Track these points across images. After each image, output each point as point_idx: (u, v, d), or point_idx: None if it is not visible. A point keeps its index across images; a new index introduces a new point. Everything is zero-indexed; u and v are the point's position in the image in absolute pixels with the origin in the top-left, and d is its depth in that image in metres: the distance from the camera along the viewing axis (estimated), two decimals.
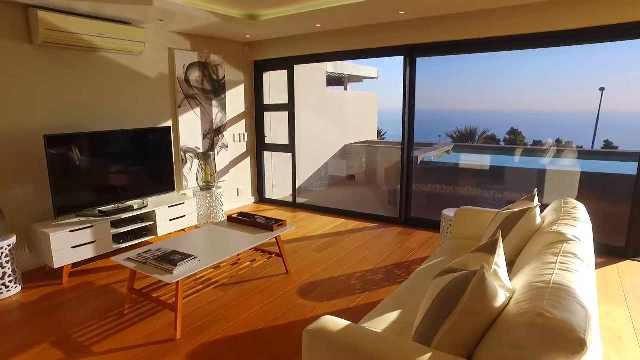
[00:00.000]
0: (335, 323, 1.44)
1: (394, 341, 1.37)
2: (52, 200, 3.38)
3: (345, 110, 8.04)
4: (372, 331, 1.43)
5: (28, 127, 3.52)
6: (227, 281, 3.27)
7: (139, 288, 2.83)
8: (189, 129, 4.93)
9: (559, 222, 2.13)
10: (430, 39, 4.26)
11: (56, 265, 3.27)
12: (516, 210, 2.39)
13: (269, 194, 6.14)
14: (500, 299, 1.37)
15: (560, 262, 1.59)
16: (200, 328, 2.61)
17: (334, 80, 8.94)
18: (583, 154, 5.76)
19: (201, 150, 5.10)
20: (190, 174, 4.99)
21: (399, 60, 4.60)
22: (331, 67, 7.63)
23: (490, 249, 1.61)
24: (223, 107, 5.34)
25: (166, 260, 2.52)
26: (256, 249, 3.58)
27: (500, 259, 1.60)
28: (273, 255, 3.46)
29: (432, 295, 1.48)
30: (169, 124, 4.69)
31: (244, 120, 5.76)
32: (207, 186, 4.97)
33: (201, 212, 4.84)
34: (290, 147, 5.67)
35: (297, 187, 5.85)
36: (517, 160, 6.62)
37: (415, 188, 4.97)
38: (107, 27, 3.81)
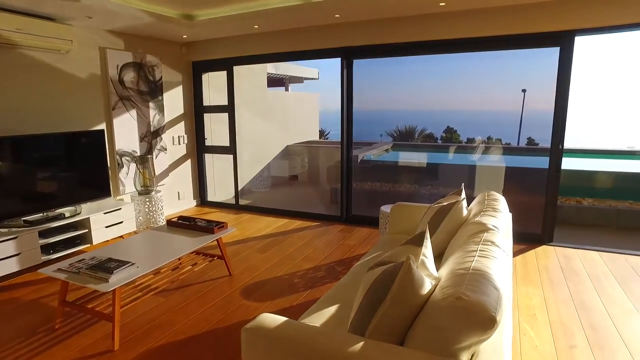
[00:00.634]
0: (273, 320, 1.48)
1: (330, 333, 1.44)
2: None
3: (287, 110, 8.09)
4: (309, 325, 1.49)
5: None
6: (168, 286, 3.20)
7: (72, 300, 2.70)
8: (125, 132, 4.73)
9: (482, 213, 2.32)
10: (366, 42, 4.42)
11: None
12: (445, 204, 2.57)
13: (211, 197, 6.05)
14: (426, 287, 1.48)
15: (480, 250, 1.74)
16: (140, 336, 2.54)
17: (275, 81, 8.96)
18: (509, 150, 6.23)
19: (138, 154, 4.92)
20: (127, 178, 4.80)
21: (339, 62, 4.71)
22: (272, 68, 7.65)
23: (418, 241, 1.73)
24: (161, 109, 5.18)
25: (101, 269, 2.43)
26: (197, 253, 3.53)
27: (427, 250, 1.72)
28: (215, 258, 3.43)
29: (364, 287, 1.57)
30: (102, 126, 4.48)
31: (183, 122, 5.63)
32: (145, 190, 4.80)
33: (140, 218, 4.67)
34: (231, 149, 5.62)
35: (239, 188, 5.81)
36: (451, 157, 7.02)
37: (356, 186, 5.12)
38: (25, 22, 3.54)
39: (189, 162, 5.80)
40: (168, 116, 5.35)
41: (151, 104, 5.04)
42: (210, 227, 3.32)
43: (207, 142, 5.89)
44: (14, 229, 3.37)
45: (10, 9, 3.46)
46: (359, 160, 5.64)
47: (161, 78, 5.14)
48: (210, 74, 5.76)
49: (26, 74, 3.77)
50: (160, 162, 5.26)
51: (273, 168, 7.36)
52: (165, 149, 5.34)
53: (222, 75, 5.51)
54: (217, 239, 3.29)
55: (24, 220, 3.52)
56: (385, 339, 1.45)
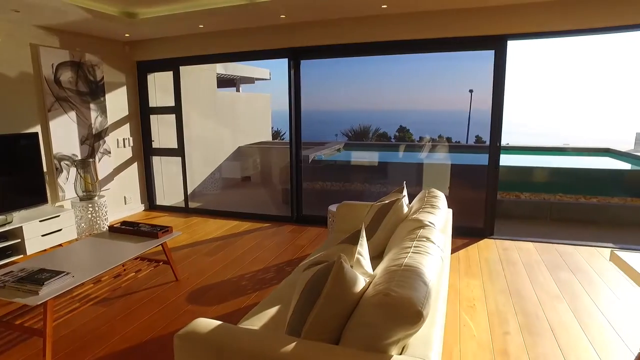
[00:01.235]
0: (206, 325, 1.46)
1: (265, 336, 1.44)
2: None
3: (238, 111, 7.99)
4: (244, 328, 1.48)
5: None
6: (109, 295, 3.07)
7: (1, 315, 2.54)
8: (63, 135, 4.49)
9: (420, 210, 2.40)
10: (312, 42, 4.45)
11: None
12: (386, 202, 2.64)
13: (160, 201, 5.87)
14: (359, 285, 1.52)
15: (414, 246, 1.79)
16: (77, 350, 2.43)
17: (226, 82, 8.83)
18: (456, 148, 6.49)
19: (79, 158, 4.69)
20: (67, 183, 4.57)
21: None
22: (221, 68, 7.53)
23: (354, 239, 1.77)
24: (103, 111, 4.97)
25: (31, 281, 2.30)
26: (142, 259, 3.41)
27: (362, 248, 1.76)
28: (161, 264, 3.34)
29: (299, 288, 1.59)
30: (36, 129, 4.22)
31: (128, 124, 5.43)
32: (88, 196, 4.58)
33: (83, 224, 4.45)
34: (179, 151, 5.48)
35: (189, 191, 5.68)
36: (401, 155, 7.21)
37: (307, 186, 5.15)
38: None
39: (135, 165, 5.60)
40: (112, 118, 5.14)
41: (92, 106, 4.82)
42: (154, 232, 3.23)
43: (155, 145, 5.71)
44: None
45: None
46: (310, 160, 5.67)
47: (103, 78, 4.93)
48: (157, 74, 5.59)
49: None
50: (104, 165, 5.05)
51: (225, 170, 7.25)
52: (110, 152, 5.12)
53: (170, 75, 5.36)
54: (161, 244, 3.21)
55: None
56: (321, 338, 1.46)
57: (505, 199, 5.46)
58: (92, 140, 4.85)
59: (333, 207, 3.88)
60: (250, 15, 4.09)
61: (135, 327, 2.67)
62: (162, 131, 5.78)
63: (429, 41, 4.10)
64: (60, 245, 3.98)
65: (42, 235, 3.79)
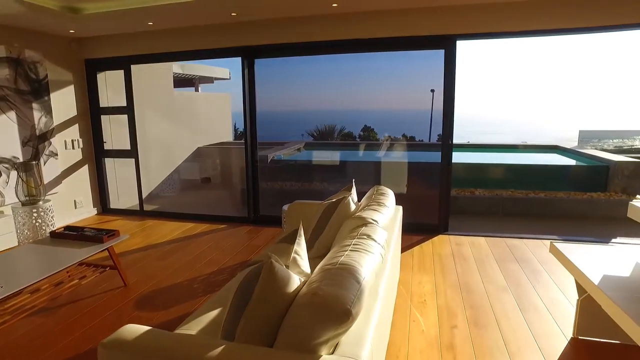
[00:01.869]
0: (134, 331, 1.40)
1: (196, 341, 1.39)
2: None
3: (197, 112, 7.82)
4: (175, 334, 1.43)
5: None
6: (48, 305, 2.92)
7: None
8: (1, 136, 4.25)
9: (366, 208, 2.40)
10: (266, 41, 4.40)
11: None
12: (333, 200, 2.63)
13: (114, 204, 5.66)
14: (292, 285, 1.48)
15: (354, 244, 1.78)
16: None
17: (184, 82, 8.63)
18: (417, 147, 6.59)
19: (21, 160, 4.45)
20: (7, 187, 4.32)
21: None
22: (178, 67, 7.34)
23: (291, 238, 1.75)
24: (48, 111, 4.73)
25: None
26: (87, 264, 3.27)
27: (300, 247, 1.74)
28: (107, 269, 3.21)
29: (233, 289, 1.55)
30: None
31: (77, 125, 5.20)
32: (31, 200, 4.35)
33: (26, 231, 4.22)
34: (132, 152, 5.30)
35: (145, 194, 5.50)
36: (361, 154, 7.25)
37: (266, 186, 5.09)
38: None
39: (86, 167, 5.37)
40: (58, 118, 4.90)
41: (35, 105, 4.58)
42: (99, 236, 3.10)
43: (107, 146, 5.49)
44: None
45: None
46: (268, 160, 5.62)
47: (47, 76, 4.69)
48: (108, 73, 5.38)
49: None
50: (50, 168, 4.81)
51: (183, 171, 7.07)
52: (56, 154, 4.89)
53: (121, 74, 5.17)
54: (107, 248, 3.08)
55: None
56: (255, 341, 1.42)
57: (460, 196, 5.59)
58: (35, 141, 4.61)
59: (286, 207, 3.84)
60: (199, 13, 4.00)
61: (74, 337, 2.55)
62: (117, 132, 5.57)
63: (380, 40, 4.13)
64: None
65: None
